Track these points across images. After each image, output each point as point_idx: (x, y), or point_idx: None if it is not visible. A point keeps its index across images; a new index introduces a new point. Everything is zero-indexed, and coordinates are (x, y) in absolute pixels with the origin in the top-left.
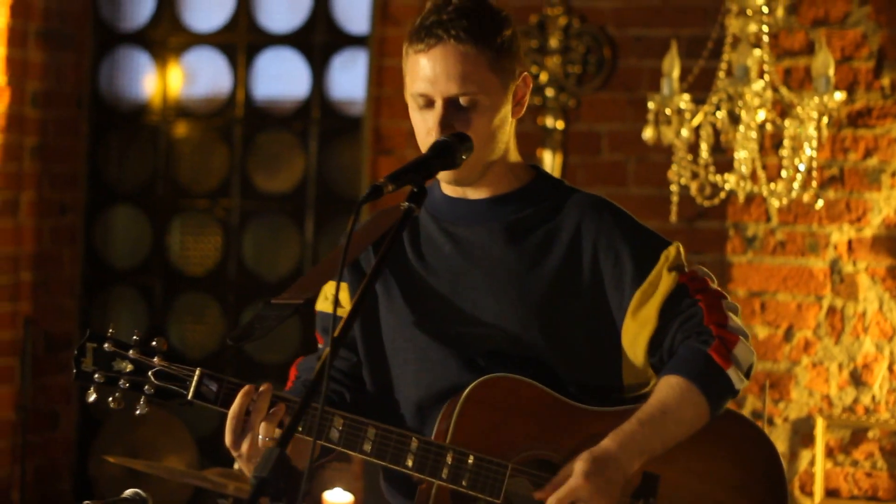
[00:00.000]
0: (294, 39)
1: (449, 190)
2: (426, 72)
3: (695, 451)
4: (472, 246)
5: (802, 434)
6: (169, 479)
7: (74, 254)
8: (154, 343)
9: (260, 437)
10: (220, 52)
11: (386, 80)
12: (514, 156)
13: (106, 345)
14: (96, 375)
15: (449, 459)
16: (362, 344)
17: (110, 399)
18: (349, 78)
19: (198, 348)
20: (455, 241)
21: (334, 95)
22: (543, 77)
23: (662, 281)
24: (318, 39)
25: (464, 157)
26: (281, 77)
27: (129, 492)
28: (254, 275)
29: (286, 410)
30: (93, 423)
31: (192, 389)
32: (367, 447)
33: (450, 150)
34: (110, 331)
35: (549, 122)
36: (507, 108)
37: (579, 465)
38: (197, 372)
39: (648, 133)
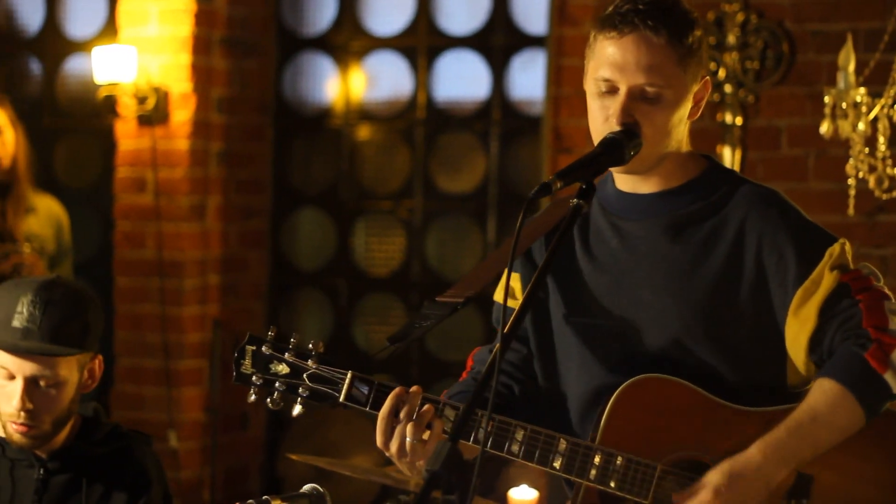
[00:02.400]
0: (474, 41)
1: (620, 183)
2: (615, 58)
3: (851, 451)
4: (639, 241)
5: None
6: (355, 478)
7: (261, 257)
8: (310, 346)
9: (407, 438)
10: (402, 55)
11: (564, 79)
12: (686, 148)
13: (264, 347)
14: (254, 378)
15: (597, 460)
16: (533, 337)
17: (268, 400)
18: (529, 78)
19: (381, 348)
20: (622, 236)
21: (514, 96)
22: (722, 73)
23: (824, 279)
24: (498, 41)
25: (632, 153)
26: (461, 78)
27: (307, 487)
28: (437, 275)
29: (435, 412)
30: (282, 423)
31: (343, 392)
32: (515, 448)
33: (618, 147)
34: (269, 333)
35: (728, 118)
36: (686, 108)
37: (713, 478)
38: (348, 375)
39: (825, 127)
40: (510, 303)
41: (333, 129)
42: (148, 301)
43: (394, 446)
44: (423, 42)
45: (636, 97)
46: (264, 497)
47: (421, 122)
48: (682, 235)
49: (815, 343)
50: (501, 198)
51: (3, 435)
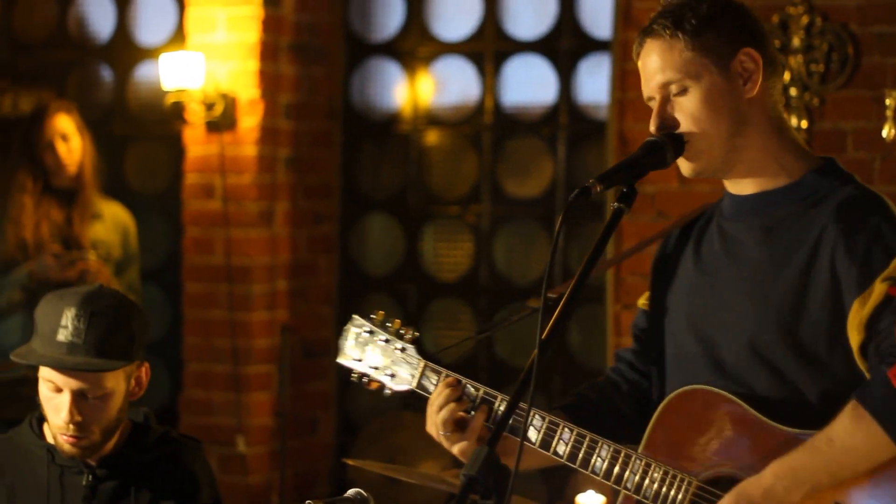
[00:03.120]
0: (541, 46)
1: (728, 186)
2: (642, 74)
3: (886, 477)
4: (734, 243)
5: None
6: (422, 484)
7: (330, 262)
8: (402, 331)
9: (440, 431)
10: (469, 61)
11: (630, 83)
12: (786, 148)
13: (363, 330)
14: (352, 359)
15: (637, 468)
16: (650, 335)
17: (364, 381)
18: (596, 82)
19: (451, 353)
20: (723, 238)
21: (581, 100)
22: (787, 76)
23: (874, 291)
24: (565, 45)
25: (674, 156)
26: (529, 83)
27: (351, 491)
28: (505, 280)
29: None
30: (351, 428)
31: (415, 380)
32: (561, 449)
33: (659, 150)
34: (372, 316)
35: (794, 121)
36: (726, 87)
37: (723, 500)
38: (421, 364)
39: (886, 130)
40: (641, 303)
41: (401, 135)
42: (217, 307)
43: (431, 431)
44: (490, 47)
45: (668, 100)
46: (307, 501)
47: (488, 127)
48: (769, 238)
49: (863, 359)
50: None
51: (52, 442)
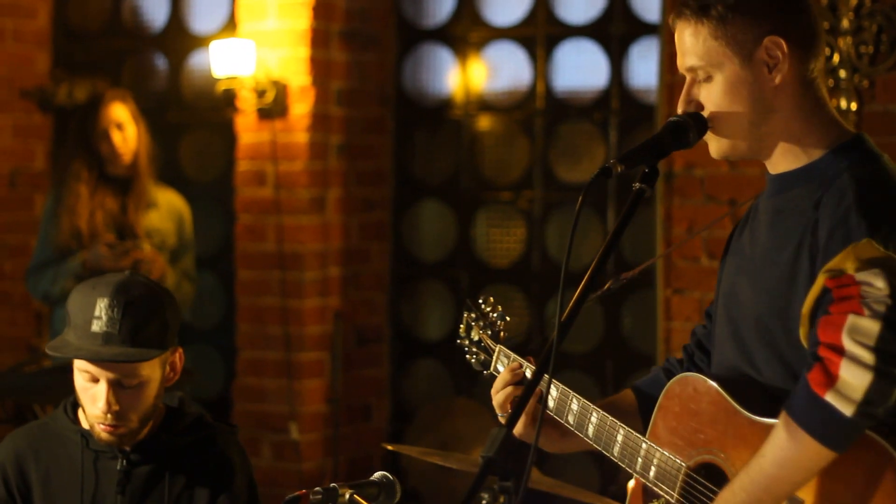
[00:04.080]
0: (592, 30)
1: (766, 165)
2: (676, 47)
3: (838, 478)
4: (756, 224)
5: None
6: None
7: (382, 248)
8: (499, 318)
9: (497, 411)
10: (520, 46)
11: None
12: (811, 129)
13: (472, 314)
14: (460, 341)
15: (642, 452)
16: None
17: (472, 361)
18: (647, 66)
19: (504, 339)
20: (754, 219)
21: (633, 84)
22: (836, 58)
23: (817, 282)
24: (616, 29)
25: (697, 135)
26: (580, 68)
27: (377, 475)
28: (557, 265)
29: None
30: (405, 414)
31: (492, 364)
32: (590, 431)
33: (682, 130)
34: (480, 301)
35: (843, 103)
36: (748, 77)
37: None
38: (497, 349)
39: None
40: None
41: (453, 121)
42: (269, 294)
43: (494, 407)
44: (541, 32)
45: (696, 82)
46: (332, 485)
47: (540, 112)
48: (776, 220)
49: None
50: (622, 186)
51: (87, 428)
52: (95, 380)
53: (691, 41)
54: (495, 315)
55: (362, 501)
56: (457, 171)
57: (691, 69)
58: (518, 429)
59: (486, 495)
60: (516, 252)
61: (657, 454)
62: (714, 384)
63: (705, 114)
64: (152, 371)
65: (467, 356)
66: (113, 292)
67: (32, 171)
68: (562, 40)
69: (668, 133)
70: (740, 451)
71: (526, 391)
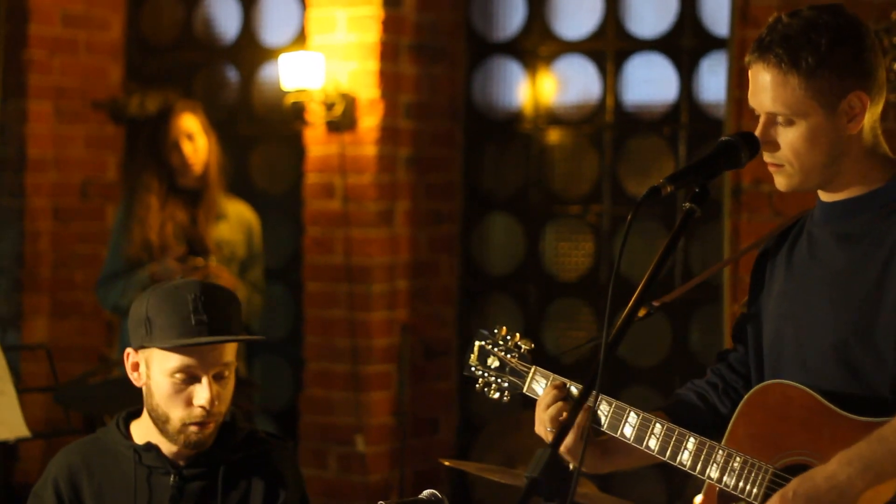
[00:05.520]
0: (662, 44)
1: (819, 193)
2: (752, 86)
3: None
4: (819, 248)
5: None
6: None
7: (451, 262)
8: (519, 342)
9: (546, 427)
10: (590, 59)
11: (748, 81)
12: (875, 162)
13: (484, 343)
14: (475, 370)
15: (719, 458)
16: (748, 338)
17: (486, 391)
18: (717, 81)
19: (572, 354)
20: (811, 243)
21: (703, 99)
22: None
23: None
24: (686, 43)
25: (749, 155)
26: (650, 82)
27: (426, 493)
28: (626, 279)
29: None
30: (472, 428)
31: (526, 385)
32: (653, 443)
33: (733, 150)
34: (494, 330)
35: None
36: (830, 126)
37: (788, 485)
38: (532, 370)
39: None
40: (742, 307)
41: (523, 134)
42: (337, 306)
43: (540, 431)
44: (611, 46)
45: (773, 123)
46: (380, 502)
47: (609, 125)
48: (849, 244)
49: None
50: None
51: (139, 443)
52: (194, 378)
53: (778, 90)
54: (512, 339)
55: None
56: (525, 184)
57: (771, 114)
58: (567, 444)
59: None
60: (584, 266)
61: (737, 459)
62: (807, 389)
63: (781, 155)
64: (233, 356)
65: (482, 385)
66: (196, 288)
67: (104, 182)
68: (631, 54)
69: (719, 153)
70: (838, 449)
71: (575, 407)
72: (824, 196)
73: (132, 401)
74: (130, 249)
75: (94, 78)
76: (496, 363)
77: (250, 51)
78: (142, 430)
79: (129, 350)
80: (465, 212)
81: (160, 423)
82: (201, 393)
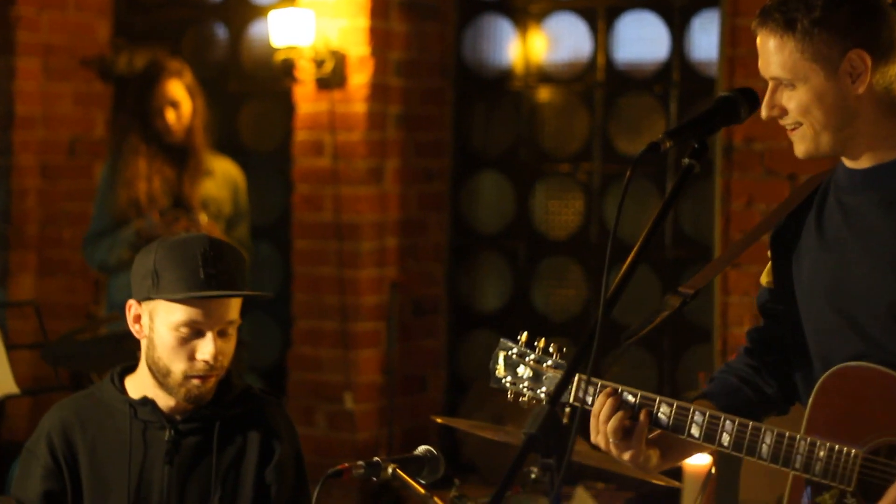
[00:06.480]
0: (653, 2)
1: (844, 159)
2: (759, 52)
3: None
4: (857, 216)
5: None
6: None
7: (441, 219)
8: (550, 349)
9: (608, 437)
10: (581, 17)
11: (740, 39)
12: (892, 130)
13: (511, 352)
14: (504, 381)
15: (801, 449)
16: (780, 311)
17: (521, 400)
18: (708, 39)
19: (561, 311)
20: (844, 211)
21: (694, 57)
22: None
23: None
24: (678, 1)
25: (748, 111)
26: (641, 40)
27: (421, 449)
28: (616, 238)
29: (646, 413)
30: (461, 386)
31: (571, 394)
32: (726, 440)
33: (733, 106)
34: (517, 338)
35: None
36: (833, 87)
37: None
38: (576, 379)
39: None
40: (765, 281)
41: (513, 92)
42: (326, 264)
43: (599, 441)
44: (602, 3)
45: (778, 88)
46: (375, 459)
47: (600, 84)
48: (891, 211)
49: None
50: (681, 161)
51: (148, 396)
52: (199, 332)
53: (776, 53)
54: (539, 344)
55: (405, 476)
56: (516, 142)
57: (775, 78)
58: (628, 455)
59: (534, 469)
60: (574, 224)
61: (822, 448)
62: (882, 368)
63: (790, 118)
64: (237, 312)
65: (513, 396)
66: (204, 243)
67: (92, 140)
68: (623, 12)
69: (718, 109)
70: None
71: (631, 411)
72: (850, 162)
73: (120, 358)
74: (117, 207)
75: (83, 35)
76: (528, 373)
77: (240, 7)
78: (137, 385)
79: (131, 302)
80: (455, 169)
81: (161, 375)
82: (205, 347)
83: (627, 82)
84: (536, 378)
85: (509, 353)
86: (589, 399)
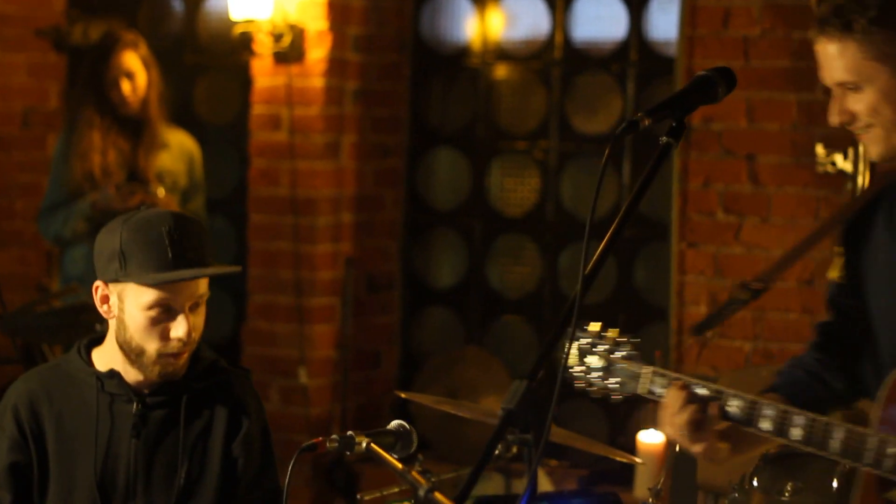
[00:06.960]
0: None
1: None
2: (819, 60)
3: None
4: None
5: None
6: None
7: (396, 196)
8: (620, 339)
9: (679, 430)
10: None
11: (699, 20)
12: None
13: (582, 342)
14: (575, 369)
15: (871, 445)
16: (852, 308)
17: (591, 389)
18: (667, 19)
19: (515, 289)
20: None
21: (652, 36)
22: None
23: None
24: None
25: (725, 90)
26: (599, 19)
27: (393, 423)
28: (571, 215)
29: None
30: (415, 362)
31: (644, 386)
32: (796, 434)
33: (711, 85)
34: (586, 328)
35: None
36: None
37: None
38: (648, 371)
39: None
40: (835, 276)
41: (470, 69)
42: (281, 238)
43: (670, 433)
44: None
45: (845, 93)
46: (349, 432)
47: (558, 62)
48: None
49: None
50: (638, 140)
51: (102, 370)
52: (170, 311)
53: (838, 57)
54: (609, 335)
55: (379, 450)
56: (472, 119)
57: (840, 83)
58: (699, 447)
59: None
60: (530, 202)
61: (893, 445)
62: None
63: (861, 121)
64: (206, 287)
65: (583, 387)
66: (169, 220)
67: (46, 111)
68: None
69: (696, 88)
70: None
71: (702, 404)
72: None
73: (78, 330)
74: (72, 180)
75: (38, 5)
76: (601, 363)
77: None
78: (104, 358)
79: (98, 283)
80: (411, 146)
81: (134, 355)
82: (179, 326)
83: (585, 61)
84: (608, 369)
85: (581, 342)
86: (656, 390)
